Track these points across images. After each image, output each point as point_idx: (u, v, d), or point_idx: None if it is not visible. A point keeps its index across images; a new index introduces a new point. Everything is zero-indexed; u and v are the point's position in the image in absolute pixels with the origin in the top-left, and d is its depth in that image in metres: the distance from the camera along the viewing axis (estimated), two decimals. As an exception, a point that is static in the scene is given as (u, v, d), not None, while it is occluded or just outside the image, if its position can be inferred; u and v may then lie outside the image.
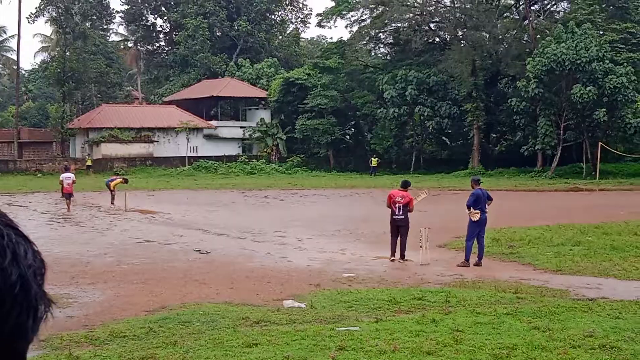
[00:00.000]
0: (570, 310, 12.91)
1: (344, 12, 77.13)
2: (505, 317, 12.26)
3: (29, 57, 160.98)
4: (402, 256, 19.74)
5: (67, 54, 73.08)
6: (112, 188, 36.64)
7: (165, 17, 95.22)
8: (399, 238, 19.91)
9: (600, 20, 62.39)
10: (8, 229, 0.97)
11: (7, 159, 71.12)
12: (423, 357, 9.89)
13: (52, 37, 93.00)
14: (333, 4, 78.55)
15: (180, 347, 10.49)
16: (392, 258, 19.96)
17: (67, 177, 34.26)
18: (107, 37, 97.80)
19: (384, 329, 11.53)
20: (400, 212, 19.88)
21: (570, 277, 17.04)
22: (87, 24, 79.74)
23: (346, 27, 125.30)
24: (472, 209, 19.19)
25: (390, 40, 78.87)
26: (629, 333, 11.08)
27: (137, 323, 12.10)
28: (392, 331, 11.34)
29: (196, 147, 74.35)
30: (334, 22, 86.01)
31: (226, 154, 74.31)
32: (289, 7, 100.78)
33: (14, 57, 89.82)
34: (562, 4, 71.84)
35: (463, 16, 68.80)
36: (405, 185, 20.43)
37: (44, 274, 1.01)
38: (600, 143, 57.18)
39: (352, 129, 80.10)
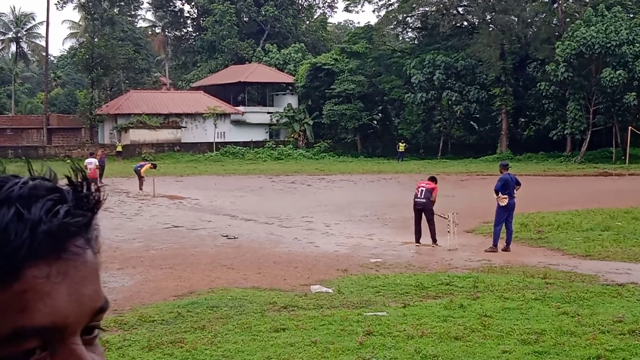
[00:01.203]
0: (599, 295, 12.83)
1: (371, -3, 76.82)
2: (533, 302, 12.22)
3: (58, 44, 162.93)
4: (434, 240, 19.72)
5: (96, 40, 73.46)
6: (141, 174, 36.90)
7: (193, 3, 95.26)
8: (422, 222, 19.90)
9: (630, 3, 61.66)
10: None
11: (37, 145, 71.75)
12: (451, 342, 9.87)
13: (80, 23, 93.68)
14: (360, -12, 78.25)
15: (209, 332, 10.55)
16: (418, 243, 19.95)
17: (88, 162, 35.61)
18: (135, 23, 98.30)
19: (412, 314, 11.53)
20: (422, 196, 19.85)
21: (599, 263, 16.93)
22: (115, 10, 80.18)
23: (373, 11, 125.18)
24: (500, 194, 19.10)
25: (418, 25, 78.40)
26: (659, 319, 11.00)
27: (165, 308, 12.18)
28: (419, 316, 11.33)
29: (224, 132, 74.48)
30: (362, 7, 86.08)
31: (253, 140, 74.37)
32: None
33: (43, 43, 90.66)
34: (592, -14, 71.09)
35: (491, 0, 68.26)
36: (432, 179, 20.53)
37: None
38: (630, 127, 56.65)
39: (380, 114, 79.81)
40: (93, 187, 1.04)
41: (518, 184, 19.40)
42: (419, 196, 19.92)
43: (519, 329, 10.45)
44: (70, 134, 76.82)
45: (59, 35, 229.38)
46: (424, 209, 19.85)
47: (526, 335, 10.13)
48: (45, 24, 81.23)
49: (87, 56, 71.89)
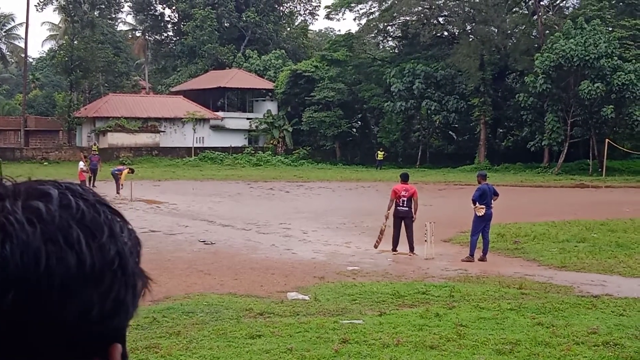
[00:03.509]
0: (574, 306, 12.91)
1: (352, 5, 76.94)
2: (509, 312, 12.27)
3: (37, 45, 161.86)
4: (411, 249, 19.75)
5: (75, 42, 73.14)
6: (120, 180, 36.73)
7: (174, 7, 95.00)
8: (402, 230, 19.96)
9: (609, 16, 62.20)
10: (103, 207, 0.99)
11: (14, 146, 71.29)
12: (426, 351, 9.89)
13: (60, 25, 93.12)
14: (342, -4, 78.39)
15: (184, 337, 10.51)
16: (395, 251, 20.00)
17: (80, 165, 36.07)
18: (115, 27, 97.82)
19: (388, 322, 11.54)
20: (405, 205, 19.90)
21: (574, 274, 17.03)
22: (95, 13, 79.68)
23: (354, 19, 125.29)
24: (477, 204, 19.18)
25: (399, 34, 78.69)
26: (633, 330, 11.08)
27: (140, 312, 12.02)
28: (395, 325, 11.35)
29: (202, 137, 74.31)
30: (343, 15, 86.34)
31: (232, 145, 74.27)
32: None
33: (22, 45, 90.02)
34: (572, -1, 71.69)
35: (472, 10, 68.66)
36: (405, 178, 20.53)
37: (139, 251, 1.04)
38: (607, 140, 57.10)
39: (359, 122, 79.98)
40: None
41: (496, 194, 19.48)
42: (401, 205, 19.95)
43: (494, 339, 10.48)
44: (47, 137, 76.36)
45: (38, 36, 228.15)
46: (405, 217, 19.90)
47: (501, 345, 10.16)
48: (24, 25, 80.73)
49: (67, 58, 71.53)
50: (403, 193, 20.05)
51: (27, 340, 0.87)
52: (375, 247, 20.26)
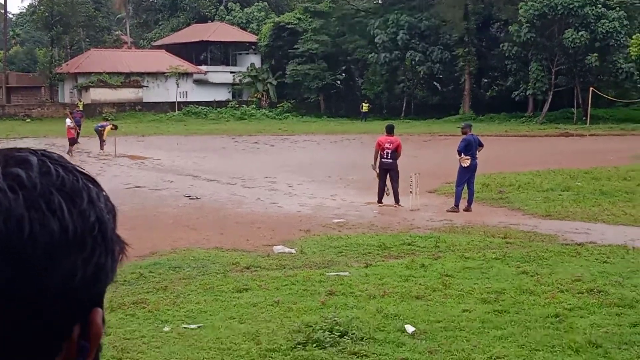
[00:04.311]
0: (558, 255, 13.02)
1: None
2: (494, 261, 12.37)
3: (17, 1, 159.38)
4: (397, 201, 19.78)
5: (55, -3, 72.25)
6: (103, 136, 36.51)
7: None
8: (387, 183, 20.00)
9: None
10: (79, 174, 0.99)
11: (-4, 104, 70.72)
12: (412, 302, 9.97)
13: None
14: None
15: (171, 292, 10.56)
16: (380, 203, 20.05)
17: (67, 122, 35.76)
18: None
19: (374, 274, 11.61)
20: (389, 157, 19.93)
21: (559, 222, 17.14)
22: (74, -33, 78.58)
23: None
24: (462, 155, 19.21)
25: (382, -16, 78.06)
26: (616, 277, 11.20)
27: (127, 268, 12.12)
28: (381, 276, 11.42)
29: (186, 92, 73.88)
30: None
31: (216, 99, 73.92)
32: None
33: (2, 0, 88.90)
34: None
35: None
36: (390, 130, 20.53)
37: (115, 216, 1.03)
38: (591, 88, 57.10)
39: (343, 75, 79.63)
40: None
41: (480, 145, 19.51)
42: (385, 157, 19.97)
43: (479, 288, 10.58)
44: (29, 93, 75.72)
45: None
46: (390, 169, 19.92)
47: (486, 294, 10.26)
48: (2, -20, 79.77)
49: (47, 14, 70.70)
50: (387, 145, 20.05)
51: (11, 308, 0.87)
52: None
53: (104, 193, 1.02)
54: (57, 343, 0.92)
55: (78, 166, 1.00)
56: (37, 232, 0.87)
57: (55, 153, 0.99)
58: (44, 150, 0.99)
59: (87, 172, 1.01)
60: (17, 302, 0.87)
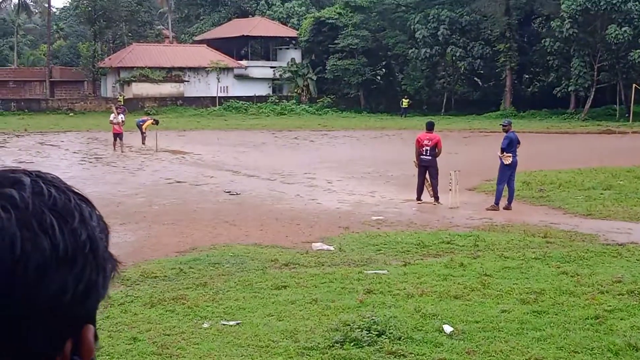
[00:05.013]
0: (599, 255, 12.90)
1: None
2: (533, 261, 12.29)
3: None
4: (436, 198, 19.73)
5: (98, -8, 72.90)
6: (143, 130, 36.76)
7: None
8: (426, 180, 19.95)
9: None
10: (72, 193, 1.02)
11: (39, 97, 71.59)
12: (450, 301, 9.96)
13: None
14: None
15: (210, 289, 10.64)
16: (419, 200, 20.00)
17: (113, 117, 35.02)
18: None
19: (412, 272, 11.60)
20: (428, 154, 19.87)
21: (600, 222, 16.97)
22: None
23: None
24: (504, 152, 19.09)
25: (423, -21, 77.66)
26: (658, 279, 11.06)
27: (167, 264, 12.26)
28: (419, 275, 11.41)
29: (226, 87, 74.19)
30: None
31: (256, 94, 74.15)
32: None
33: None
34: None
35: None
36: (430, 127, 20.44)
37: (108, 235, 1.06)
38: (634, 85, 56.32)
39: (383, 70, 79.32)
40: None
41: (518, 142, 19.42)
42: (424, 154, 19.92)
43: (519, 289, 10.52)
44: (72, 87, 76.58)
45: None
46: (429, 166, 19.87)
47: (525, 294, 10.20)
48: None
49: (90, 8, 71.42)
50: (426, 142, 19.99)
51: (3, 323, 0.91)
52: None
53: (97, 212, 1.06)
54: (49, 358, 0.95)
55: (72, 186, 1.04)
56: (28, 251, 0.91)
57: (49, 174, 1.04)
58: (38, 171, 1.04)
59: (80, 192, 1.04)
60: (9, 317, 0.91)
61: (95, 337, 1.03)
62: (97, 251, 1.00)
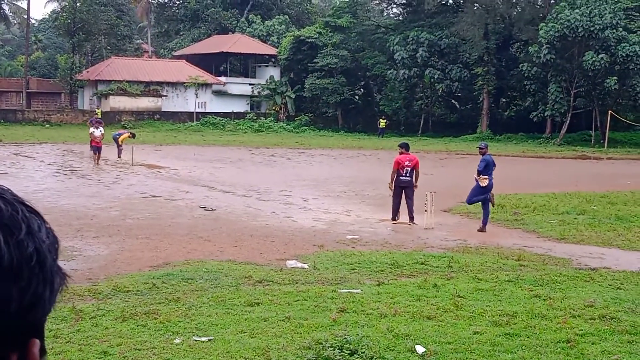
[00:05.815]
0: (572, 279, 12.96)
1: (357, -29, 76.38)
2: (506, 284, 12.32)
3: (40, 7, 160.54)
4: (411, 218, 19.77)
5: (78, 4, 72.55)
6: (119, 142, 36.64)
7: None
8: (402, 200, 19.99)
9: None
10: (21, 205, 1.01)
11: (16, 108, 71.13)
12: (423, 322, 9.95)
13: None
14: (346, -38, 77.76)
15: (183, 304, 10.57)
16: (394, 220, 20.03)
17: (93, 131, 34.81)
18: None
19: (386, 292, 11.60)
20: (408, 174, 19.93)
21: (573, 246, 17.06)
22: (98, -25, 79.11)
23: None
24: (481, 175, 19.19)
25: (403, 1, 78.21)
26: (630, 304, 11.12)
27: (140, 278, 12.18)
28: (393, 295, 11.41)
29: (204, 102, 74.17)
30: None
31: (234, 111, 74.15)
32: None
33: (25, 6, 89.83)
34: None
35: (477, -22, 68.16)
36: (406, 147, 20.50)
37: (57, 248, 1.04)
38: (610, 111, 56.95)
39: (362, 90, 79.72)
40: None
41: (494, 165, 19.55)
42: (403, 175, 19.96)
43: (491, 311, 10.54)
44: (49, 99, 76.18)
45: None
46: (407, 187, 19.92)
47: (498, 317, 10.22)
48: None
49: (69, 20, 71.15)
50: (407, 163, 20.04)
51: None
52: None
53: (47, 225, 1.04)
54: None
55: (21, 198, 1.03)
56: None
57: (1, 186, 1.02)
58: None
59: (30, 205, 1.03)
60: None
61: (43, 351, 1.01)
62: (44, 264, 0.99)
